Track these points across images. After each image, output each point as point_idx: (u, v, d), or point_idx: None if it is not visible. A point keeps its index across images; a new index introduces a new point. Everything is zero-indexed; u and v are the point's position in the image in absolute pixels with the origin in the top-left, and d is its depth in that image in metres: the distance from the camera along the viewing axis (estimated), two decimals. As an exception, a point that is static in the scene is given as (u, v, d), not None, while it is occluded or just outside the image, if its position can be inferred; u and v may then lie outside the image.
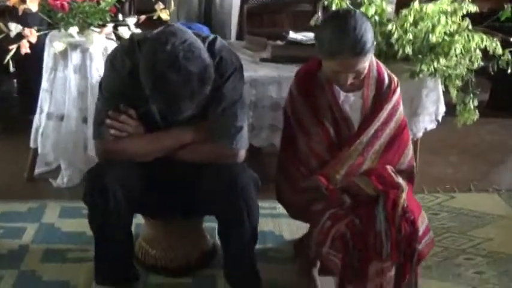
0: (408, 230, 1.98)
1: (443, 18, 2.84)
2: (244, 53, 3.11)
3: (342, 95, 2.11)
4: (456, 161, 3.43)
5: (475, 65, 2.90)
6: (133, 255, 2.15)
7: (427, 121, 3.07)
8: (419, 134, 3.09)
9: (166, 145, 1.98)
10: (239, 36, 3.78)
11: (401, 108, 2.20)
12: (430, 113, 3.07)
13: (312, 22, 3.03)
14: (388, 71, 2.18)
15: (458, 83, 2.88)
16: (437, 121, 3.09)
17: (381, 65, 2.17)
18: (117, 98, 1.94)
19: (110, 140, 1.95)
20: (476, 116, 2.94)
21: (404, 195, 2.01)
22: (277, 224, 2.70)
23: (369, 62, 2.03)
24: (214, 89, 1.92)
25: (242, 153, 2.01)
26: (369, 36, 1.93)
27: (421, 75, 2.87)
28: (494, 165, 3.39)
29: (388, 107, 2.15)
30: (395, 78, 2.18)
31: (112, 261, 2.01)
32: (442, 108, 3.08)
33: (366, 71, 2.01)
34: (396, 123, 2.18)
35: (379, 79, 2.13)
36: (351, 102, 2.12)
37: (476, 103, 2.93)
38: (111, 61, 1.94)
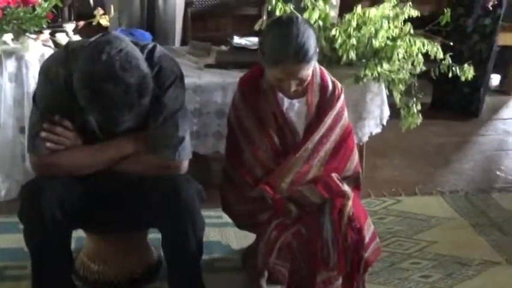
0: (355, 238, 1.97)
1: (385, 23, 2.85)
2: (188, 58, 3.05)
3: (286, 102, 2.09)
4: (401, 163, 3.46)
5: (418, 70, 2.93)
6: (72, 273, 2.06)
7: (372, 125, 3.09)
8: (365, 138, 3.10)
9: (106, 157, 1.91)
10: (183, 41, 3.72)
11: (346, 114, 2.19)
12: (375, 117, 3.09)
13: (257, 27, 3.00)
14: (332, 77, 2.17)
15: (402, 87, 2.90)
16: (382, 125, 3.11)
17: (325, 71, 2.16)
18: (52, 109, 1.85)
19: (45, 153, 1.87)
20: (419, 119, 2.97)
21: (350, 203, 2.01)
22: (224, 233, 2.65)
23: (312, 68, 2.01)
24: (155, 99, 1.85)
25: (185, 164, 1.96)
26: (312, 43, 1.91)
27: (365, 80, 2.88)
28: (438, 167, 3.44)
29: (333, 113, 2.13)
30: (339, 85, 2.16)
31: (50, 280, 1.91)
32: (387, 112, 3.10)
33: (309, 78, 1.99)
34: (341, 129, 2.16)
35: (323, 85, 2.11)
36: (295, 109, 2.10)
37: (419, 107, 2.96)
38: (45, 71, 1.86)
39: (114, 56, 1.65)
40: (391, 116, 3.12)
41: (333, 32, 2.78)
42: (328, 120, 2.12)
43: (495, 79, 4.75)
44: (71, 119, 1.88)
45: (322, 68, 2.15)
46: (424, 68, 2.95)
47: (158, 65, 1.88)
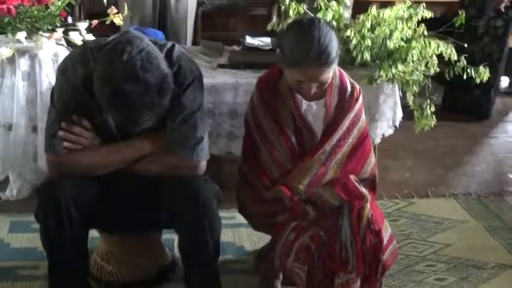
0: (373, 241, 1.95)
1: (400, 24, 2.84)
2: (201, 58, 3.04)
3: (305, 103, 2.07)
4: (413, 165, 3.45)
5: (432, 71, 2.91)
6: (88, 273, 2.05)
7: (384, 127, 3.07)
8: (378, 140, 3.09)
9: (123, 157, 1.90)
10: (193, 41, 3.70)
11: (363, 116, 2.17)
12: (388, 119, 3.07)
13: (269, 27, 2.98)
14: (351, 79, 2.15)
15: (416, 88, 2.89)
16: (395, 127, 3.09)
17: (344, 73, 2.14)
18: (69, 108, 1.84)
19: (63, 153, 1.85)
20: (433, 121, 2.95)
21: (368, 205, 1.99)
22: (237, 234, 2.64)
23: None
24: (173, 99, 1.84)
25: (203, 165, 1.94)
26: (334, 46, 1.89)
27: (378, 81, 2.87)
28: (450, 170, 3.42)
29: (351, 116, 2.12)
30: (358, 87, 2.15)
31: (66, 280, 1.90)
32: (400, 114, 3.08)
33: (329, 80, 1.97)
34: (359, 131, 2.15)
35: (342, 87, 2.10)
36: (313, 111, 2.08)
37: (433, 109, 2.94)
38: (63, 70, 1.84)
39: (135, 55, 1.64)
40: (401, 118, 3.10)
41: (348, 32, 2.76)
42: (346, 122, 2.11)
43: (504, 81, 4.73)
44: (89, 118, 1.87)
45: (341, 70, 2.14)
46: (437, 70, 2.94)
47: (177, 64, 1.86)
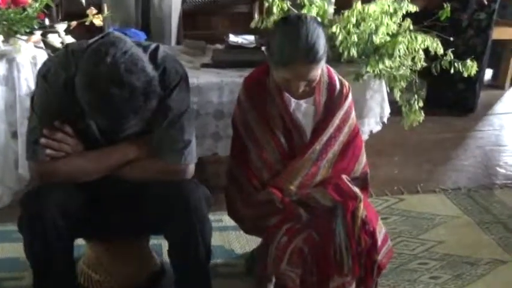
0: (368, 242, 1.91)
1: (385, 19, 2.80)
2: (183, 58, 2.95)
3: (293, 102, 2.02)
4: (401, 161, 3.42)
5: (418, 66, 2.88)
6: (75, 284, 1.97)
7: (372, 123, 3.03)
8: (365, 137, 3.03)
9: (108, 163, 1.83)
10: (177, 40, 3.63)
11: (353, 113, 2.13)
12: (376, 115, 3.03)
13: (253, 24, 2.92)
14: (339, 76, 2.10)
15: (403, 84, 2.85)
16: (383, 123, 3.06)
17: (332, 70, 2.09)
18: (51, 114, 1.77)
19: (45, 160, 1.78)
20: (422, 116, 2.91)
21: (362, 205, 1.94)
22: (226, 237, 2.58)
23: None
24: (160, 101, 1.78)
25: (191, 169, 1.89)
26: (322, 43, 1.84)
27: (365, 77, 2.83)
28: (438, 164, 3.40)
29: (341, 113, 2.07)
30: (347, 84, 2.10)
31: (53, 292, 1.83)
32: (387, 110, 3.04)
33: (318, 78, 1.92)
34: (349, 129, 2.10)
35: (331, 85, 2.05)
36: (302, 109, 2.03)
37: (421, 104, 2.90)
38: (44, 74, 1.77)
39: (119, 58, 1.57)
40: (391, 113, 3.06)
41: (333, 29, 2.71)
42: (336, 120, 2.06)
43: (488, 73, 4.72)
44: (72, 124, 1.80)
45: (329, 67, 2.09)
46: (424, 64, 2.90)
47: (162, 66, 1.80)
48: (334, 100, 2.05)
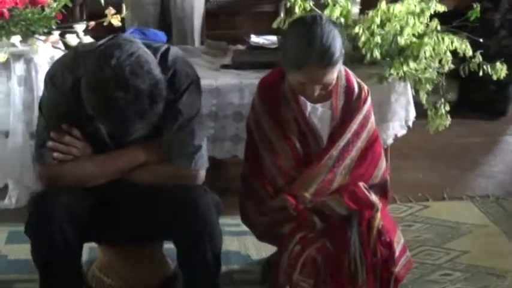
0: (384, 254, 1.83)
1: (411, 20, 2.70)
2: (204, 59, 2.92)
3: (309, 106, 1.95)
4: (427, 166, 3.30)
5: (446, 68, 2.78)
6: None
7: (397, 127, 2.94)
8: (390, 141, 2.95)
9: (117, 167, 1.80)
10: (199, 41, 3.58)
11: (372, 118, 2.05)
12: (400, 118, 2.93)
13: (275, 24, 2.86)
14: (358, 79, 2.03)
15: (429, 87, 2.75)
16: (408, 126, 2.96)
17: (350, 72, 2.02)
18: (58, 117, 1.74)
19: (53, 164, 1.75)
20: (448, 121, 2.81)
21: (379, 214, 1.87)
22: (243, 242, 2.52)
23: (338, 71, 1.88)
24: (169, 105, 1.74)
25: (202, 174, 1.84)
26: (337, 45, 1.77)
27: (389, 80, 2.74)
28: (466, 170, 3.28)
29: (359, 118, 2.00)
30: (366, 87, 2.03)
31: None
32: (413, 113, 2.95)
33: (334, 82, 1.85)
34: (368, 134, 2.03)
35: (349, 88, 1.98)
36: (318, 114, 1.96)
37: (448, 108, 2.80)
38: (51, 77, 1.74)
39: (124, 60, 1.53)
40: (417, 115, 2.96)
41: (356, 29, 2.63)
42: (354, 125, 1.99)
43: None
44: (80, 127, 1.77)
45: (348, 70, 2.02)
46: (452, 66, 2.80)
47: (172, 68, 1.76)
48: (352, 104, 1.98)
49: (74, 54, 1.73)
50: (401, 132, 2.96)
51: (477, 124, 3.85)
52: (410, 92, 2.89)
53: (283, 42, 1.86)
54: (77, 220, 1.74)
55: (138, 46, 1.60)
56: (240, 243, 2.52)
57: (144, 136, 1.77)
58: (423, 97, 2.83)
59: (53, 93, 1.73)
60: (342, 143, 1.98)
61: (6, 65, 2.55)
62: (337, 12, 2.75)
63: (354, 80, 2.00)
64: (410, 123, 2.95)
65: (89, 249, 2.36)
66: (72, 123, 1.76)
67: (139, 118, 1.56)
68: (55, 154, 1.75)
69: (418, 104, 2.90)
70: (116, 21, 2.60)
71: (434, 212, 2.83)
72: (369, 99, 2.02)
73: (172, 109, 1.76)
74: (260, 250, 2.46)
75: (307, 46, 1.75)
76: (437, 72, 2.79)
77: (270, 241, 2.10)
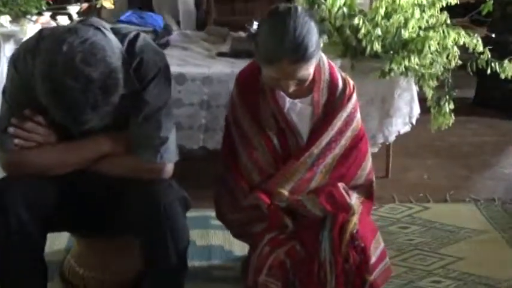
0: (357, 260, 1.73)
1: (417, 12, 2.56)
2: (201, 45, 2.85)
3: (288, 101, 1.85)
4: (433, 165, 3.16)
5: (452, 64, 2.64)
6: (45, 281, 1.87)
7: (399, 124, 2.82)
8: (392, 138, 2.84)
9: (80, 156, 1.73)
10: (204, 25, 3.49)
11: (358, 115, 1.93)
12: (404, 115, 2.82)
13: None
14: (343, 74, 1.91)
15: (433, 83, 2.61)
16: (411, 123, 2.83)
17: (335, 66, 1.90)
18: (20, 102, 1.67)
19: (14, 150, 1.69)
20: (451, 120, 2.68)
21: (355, 218, 1.77)
22: (228, 237, 2.41)
23: (316, 66, 1.77)
24: (134, 95, 1.66)
25: (169, 167, 1.75)
26: (312, 39, 1.65)
27: (392, 74, 2.61)
28: (475, 171, 3.13)
29: (343, 115, 1.88)
30: (352, 83, 1.91)
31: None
32: (417, 110, 2.82)
33: (310, 77, 1.74)
34: (353, 132, 1.92)
35: (332, 83, 1.86)
36: (298, 109, 1.86)
37: (452, 106, 2.66)
38: (13, 60, 1.68)
39: (76, 47, 1.45)
40: (424, 112, 2.83)
41: (356, 20, 2.51)
42: (338, 122, 1.88)
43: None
44: (45, 113, 1.69)
45: (332, 63, 1.90)
46: (460, 62, 2.66)
47: (139, 56, 1.67)
48: (335, 100, 1.87)
49: (37, 37, 1.66)
50: (405, 129, 2.85)
51: (492, 123, 3.68)
52: (414, 88, 2.76)
53: (255, 34, 1.75)
54: (36, 208, 1.68)
55: (95, 32, 1.52)
56: (225, 238, 2.43)
57: (111, 126, 1.70)
58: (429, 93, 2.70)
59: (14, 78, 1.67)
60: (324, 141, 1.87)
61: (-4, 45, 2.52)
62: (340, 1, 2.63)
63: (339, 75, 1.88)
64: (413, 120, 2.83)
65: (68, 238, 2.32)
66: (37, 109, 1.68)
67: (90, 108, 1.47)
68: (16, 140, 1.68)
69: (425, 100, 2.77)
70: (108, 4, 2.54)
71: (434, 215, 2.70)
72: (355, 96, 1.90)
73: (138, 99, 1.68)
74: (244, 246, 2.35)
75: (279, 40, 1.63)
76: (444, 67, 2.65)
77: (245, 240, 2.01)
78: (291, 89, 1.73)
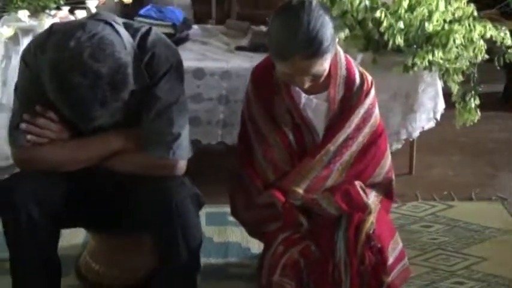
0: (373, 261, 1.68)
1: (442, 4, 2.48)
2: (220, 39, 2.81)
3: (304, 97, 1.80)
4: (459, 162, 3.08)
5: (479, 58, 2.55)
6: (59, 275, 1.86)
7: (423, 119, 2.74)
8: (415, 134, 2.76)
9: (92, 153, 1.71)
10: (226, 18, 3.44)
11: (377, 111, 1.88)
12: (428, 110, 2.74)
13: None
14: (361, 69, 1.86)
15: (457, 78, 2.53)
16: (436, 119, 2.75)
17: (352, 61, 1.84)
18: (31, 98, 1.66)
19: (26, 146, 1.68)
20: (477, 116, 2.59)
21: (372, 218, 1.72)
22: (245, 234, 2.37)
23: (332, 61, 1.72)
24: (146, 90, 1.63)
25: (181, 165, 1.72)
26: (327, 33, 1.60)
27: (415, 69, 2.54)
28: (502, 169, 3.02)
29: (361, 111, 1.83)
30: (370, 78, 1.85)
31: (31, 283, 1.74)
32: (441, 105, 2.74)
33: (325, 73, 1.68)
34: (371, 129, 1.86)
35: (349, 79, 1.81)
36: (313, 105, 1.81)
37: (478, 101, 2.58)
38: (23, 55, 1.67)
39: (84, 42, 1.43)
40: (448, 106, 2.75)
41: (378, 13, 2.44)
42: (355, 119, 1.82)
43: None
44: (56, 109, 1.68)
45: (349, 58, 1.84)
46: (486, 57, 2.57)
47: (151, 51, 1.65)
48: (352, 96, 1.81)
49: (48, 33, 1.64)
50: (429, 125, 2.77)
51: (521, 119, 3.57)
52: (439, 82, 2.68)
53: (268, 29, 1.70)
54: (47, 204, 1.66)
55: (104, 27, 1.49)
56: (242, 235, 2.38)
57: (123, 122, 1.68)
58: (454, 88, 2.62)
59: (25, 73, 1.66)
60: (340, 138, 1.82)
61: (16, 41, 2.51)
62: (362, -7, 2.56)
63: (356, 70, 1.83)
64: (438, 116, 2.75)
65: (85, 233, 2.31)
66: (48, 105, 1.67)
67: (99, 105, 1.45)
68: (28, 137, 1.67)
69: (450, 94, 2.69)
70: (126, -2, 2.51)
71: (458, 213, 2.62)
72: (373, 91, 1.85)
73: (150, 95, 1.66)
74: (261, 244, 2.34)
75: (291, 34, 1.58)
76: (470, 62, 2.57)
77: (258, 238, 1.98)
78: (306, 85, 1.68)
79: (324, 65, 1.64)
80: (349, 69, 1.81)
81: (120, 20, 1.66)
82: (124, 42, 1.53)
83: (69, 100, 1.45)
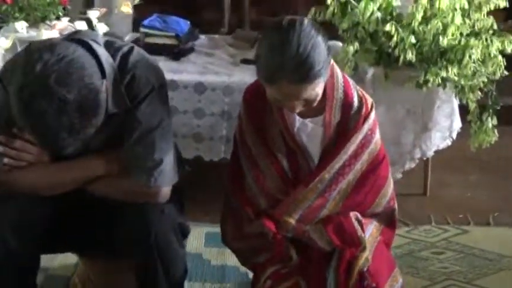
0: (366, 301, 1.55)
1: (458, 17, 2.34)
2: (226, 51, 2.71)
3: (298, 121, 1.68)
4: (477, 182, 2.92)
5: (497, 75, 2.40)
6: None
7: (438, 138, 2.61)
8: (430, 153, 2.62)
9: (72, 177, 1.63)
10: (238, 27, 3.34)
11: (377, 137, 1.74)
12: (443, 129, 2.60)
13: (327, 16, 2.53)
14: (361, 91, 1.73)
15: (473, 96, 2.39)
16: (452, 138, 2.61)
17: (351, 83, 1.72)
18: (10, 120, 1.57)
19: (3, 170, 1.60)
20: (495, 137, 2.45)
21: (365, 254, 1.59)
22: (244, 258, 2.30)
23: (329, 83, 1.60)
24: (127, 113, 1.54)
25: (164, 192, 1.63)
26: (319, 56, 1.47)
27: (429, 85, 2.40)
28: (524, 190, 2.87)
29: (358, 137, 1.70)
30: (370, 101, 1.72)
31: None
32: (458, 123, 2.60)
33: (318, 97, 1.56)
34: (370, 156, 1.73)
35: (346, 102, 1.68)
36: (308, 130, 1.69)
37: (495, 121, 2.42)
38: (0, 76, 1.58)
39: (51, 65, 1.34)
40: (466, 121, 2.60)
41: (388, 27, 2.31)
42: (352, 145, 1.69)
43: None
44: None
45: (348, 79, 1.72)
46: (506, 73, 2.42)
47: (131, 72, 1.55)
48: (349, 121, 1.69)
49: (25, 52, 1.56)
50: (444, 144, 2.63)
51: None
52: (455, 100, 2.53)
53: (256, 50, 1.58)
54: (25, 230, 1.59)
55: (75, 48, 1.40)
56: (241, 258, 2.30)
57: (107, 146, 1.60)
58: (471, 106, 2.48)
59: (1, 94, 1.58)
60: (336, 165, 1.69)
61: (14, 51, 2.45)
62: (374, 5, 2.43)
63: (354, 93, 1.70)
64: (454, 135, 2.61)
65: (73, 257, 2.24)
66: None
67: (66, 133, 1.36)
68: (5, 160, 1.60)
69: (467, 109, 2.54)
70: (126, 9, 2.43)
71: (473, 239, 2.48)
72: (372, 115, 1.71)
73: (131, 119, 1.57)
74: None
75: (279, 57, 1.46)
76: (487, 78, 2.42)
77: (249, 268, 1.86)
78: (297, 109, 1.56)
79: (315, 90, 1.52)
80: (346, 92, 1.69)
81: (102, 39, 1.58)
82: (103, 63, 1.44)
83: (35, 127, 1.37)
